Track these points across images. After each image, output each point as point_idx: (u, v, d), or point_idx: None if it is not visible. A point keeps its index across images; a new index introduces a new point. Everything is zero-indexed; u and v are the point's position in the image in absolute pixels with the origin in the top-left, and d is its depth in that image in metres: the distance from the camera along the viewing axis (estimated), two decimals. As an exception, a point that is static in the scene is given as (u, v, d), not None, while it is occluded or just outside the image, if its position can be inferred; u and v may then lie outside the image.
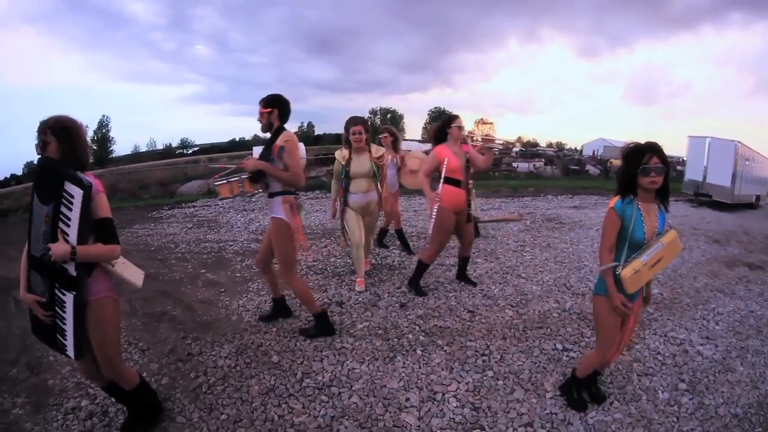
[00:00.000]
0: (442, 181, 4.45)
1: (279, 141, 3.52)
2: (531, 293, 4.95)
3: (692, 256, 7.02)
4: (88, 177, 2.30)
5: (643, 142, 2.58)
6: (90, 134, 60.59)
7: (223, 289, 5.38)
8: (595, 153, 30.78)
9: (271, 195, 3.68)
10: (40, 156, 2.32)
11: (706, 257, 7.03)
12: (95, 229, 2.33)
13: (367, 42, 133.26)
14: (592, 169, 23.53)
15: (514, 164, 22.71)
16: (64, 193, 2.20)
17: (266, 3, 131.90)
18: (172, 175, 24.34)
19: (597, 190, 15.70)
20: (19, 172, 57.54)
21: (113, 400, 3.03)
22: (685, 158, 16.73)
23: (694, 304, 4.93)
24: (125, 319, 4.48)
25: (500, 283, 5.18)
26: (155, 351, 3.93)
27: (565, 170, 22.33)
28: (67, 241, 2.21)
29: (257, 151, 28.73)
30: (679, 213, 11.70)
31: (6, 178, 56.89)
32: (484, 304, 4.64)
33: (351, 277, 5.50)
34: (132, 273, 2.65)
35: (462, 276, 5.22)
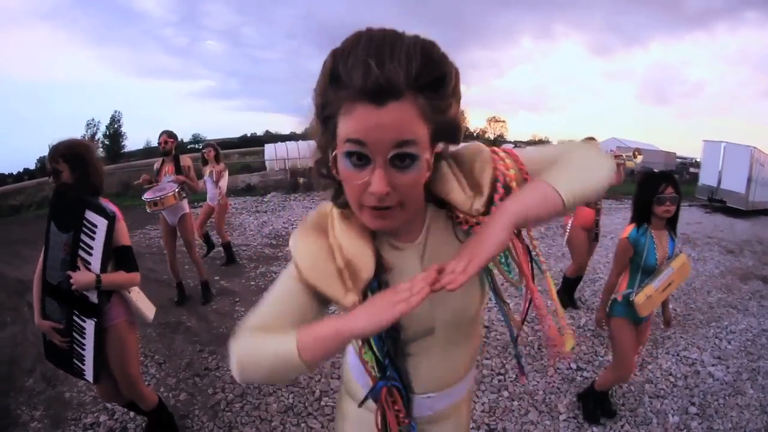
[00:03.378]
0: None
1: (184, 162, 5.09)
2: (547, 307, 4.92)
3: (706, 268, 6.98)
4: (108, 204, 2.35)
5: (657, 171, 2.78)
6: (102, 129, 62.20)
7: (237, 299, 5.37)
8: (610, 152, 30.44)
9: (181, 199, 4.94)
10: (54, 183, 2.33)
11: (720, 269, 6.98)
12: (116, 256, 2.37)
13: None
14: (604, 156, 23.04)
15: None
16: (85, 222, 2.23)
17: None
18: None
19: (611, 192, 15.55)
20: (32, 167, 57.31)
21: (132, 415, 3.10)
22: (698, 160, 16.51)
23: (707, 321, 4.91)
24: (141, 329, 4.48)
25: (516, 297, 5.17)
26: (172, 365, 3.97)
27: None
28: (89, 270, 2.25)
29: (269, 148, 28.84)
30: (692, 219, 11.62)
31: (19, 172, 57.64)
32: (500, 319, 4.65)
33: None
34: (145, 305, 2.69)
35: (568, 293, 5.14)
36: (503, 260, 1.07)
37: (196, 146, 78.00)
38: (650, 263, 2.67)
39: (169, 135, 5.10)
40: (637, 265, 2.72)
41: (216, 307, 5.18)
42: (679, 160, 33.29)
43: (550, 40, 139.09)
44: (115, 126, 65.26)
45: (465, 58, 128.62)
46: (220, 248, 7.20)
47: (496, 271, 1.10)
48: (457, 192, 0.95)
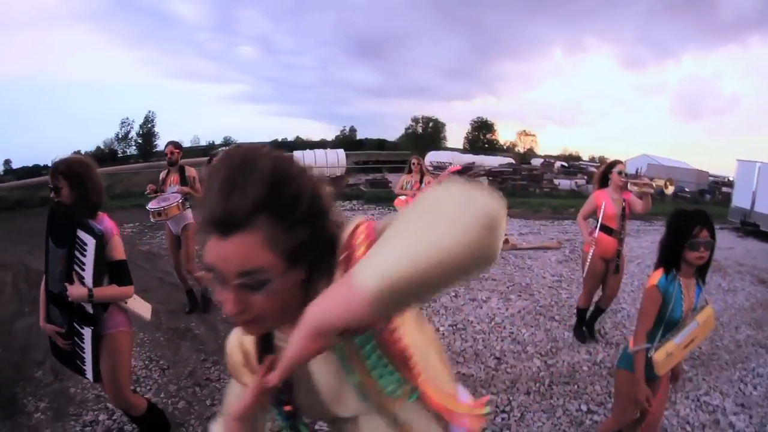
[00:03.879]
0: (598, 227, 4.47)
1: (189, 173, 5.08)
2: (562, 340, 4.73)
3: (736, 299, 6.64)
4: (103, 221, 2.41)
5: (689, 209, 2.43)
6: (136, 128, 63.95)
7: None
8: (639, 171, 29.71)
9: (186, 208, 4.99)
10: (54, 200, 2.41)
11: (750, 302, 6.61)
12: (110, 270, 2.42)
13: (411, 48, 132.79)
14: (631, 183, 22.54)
15: (556, 181, 22.23)
16: (77, 240, 2.29)
17: (313, 7, 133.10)
18: (209, 174, 24.42)
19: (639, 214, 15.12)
20: None
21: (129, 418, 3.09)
22: (730, 179, 15.81)
23: (733, 362, 4.63)
24: (150, 332, 4.60)
25: (532, 326, 5.01)
26: (175, 371, 3.96)
27: None
28: (83, 284, 2.30)
29: (297, 155, 29.03)
30: (723, 244, 11.09)
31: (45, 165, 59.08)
32: (513, 350, 4.47)
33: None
34: (140, 307, 2.71)
35: (588, 324, 4.90)
36: (377, 365, 0.85)
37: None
38: (675, 316, 2.37)
39: (176, 146, 5.15)
40: (660, 316, 2.41)
41: (225, 317, 5.10)
42: (712, 178, 32.37)
43: (581, 52, 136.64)
44: (149, 126, 66.59)
45: (494, 71, 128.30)
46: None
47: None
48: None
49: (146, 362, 4.07)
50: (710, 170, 33.99)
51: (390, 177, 21.26)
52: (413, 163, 6.98)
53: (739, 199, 14.27)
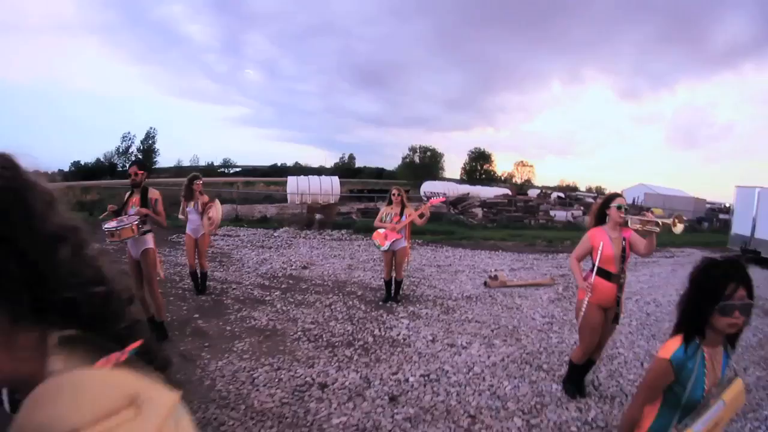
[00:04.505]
0: (594, 270, 3.81)
1: (152, 195, 4.92)
2: (549, 395, 4.12)
3: (743, 336, 6.05)
4: None
5: (721, 258, 1.82)
6: (137, 143, 65.52)
7: (207, 344, 4.99)
8: (636, 200, 29.44)
9: (144, 233, 4.83)
10: None
11: (758, 337, 6.07)
12: None
13: (412, 78, 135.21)
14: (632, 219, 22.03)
15: (552, 212, 21.75)
16: None
17: (317, 33, 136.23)
18: (206, 195, 24.15)
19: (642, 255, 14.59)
20: (66, 169, 62.88)
21: None
22: (727, 205, 15.42)
23: (743, 411, 4.02)
24: None
25: (515, 377, 4.41)
26: None
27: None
28: None
29: (292, 180, 28.91)
30: None
31: (53, 171, 59.80)
32: (490, 406, 3.87)
33: (346, 351, 4.88)
34: None
35: (578, 378, 4.22)
36: None
37: (226, 170, 79.82)
38: (695, 397, 1.80)
39: (140, 167, 4.98)
40: (675, 397, 1.84)
41: (184, 349, 4.84)
42: (709, 205, 32.12)
43: (578, 83, 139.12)
44: (150, 142, 68.24)
45: (494, 102, 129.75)
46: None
47: None
48: None
49: None
50: (707, 198, 33.91)
51: (382, 207, 20.38)
52: (393, 194, 6.56)
53: (739, 226, 13.90)
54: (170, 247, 11.18)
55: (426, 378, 4.29)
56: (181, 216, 6.85)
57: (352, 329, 5.53)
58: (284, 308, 6.36)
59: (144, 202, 4.85)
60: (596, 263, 3.79)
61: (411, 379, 4.26)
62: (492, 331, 5.63)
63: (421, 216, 6.42)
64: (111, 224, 4.63)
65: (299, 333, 5.39)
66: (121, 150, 67.58)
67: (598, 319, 3.83)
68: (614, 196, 3.94)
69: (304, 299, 6.82)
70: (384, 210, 6.70)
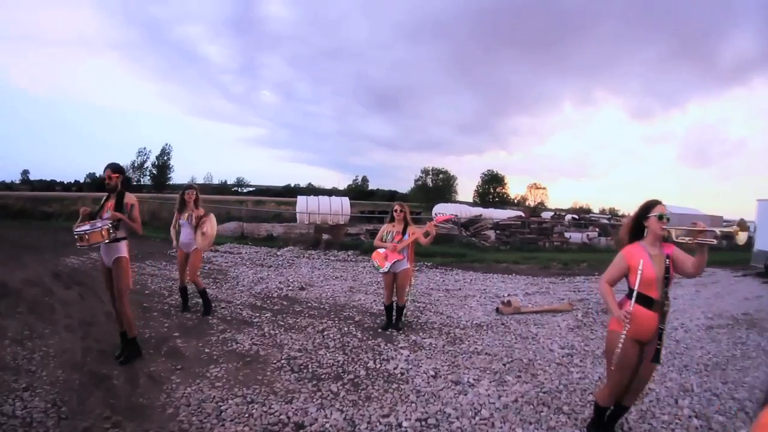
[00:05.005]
0: (634, 297, 3.06)
1: (128, 200, 4.61)
2: (572, 447, 3.42)
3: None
4: None
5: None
6: (152, 159, 67.47)
7: (180, 366, 4.57)
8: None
9: (117, 239, 4.52)
10: None
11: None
12: None
13: (425, 101, 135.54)
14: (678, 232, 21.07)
15: (567, 234, 20.93)
16: None
17: (332, 57, 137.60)
18: (215, 211, 23.95)
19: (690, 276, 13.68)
20: (82, 179, 65.70)
21: None
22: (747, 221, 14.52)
23: None
24: (70, 371, 4.26)
25: (531, 423, 3.66)
26: (70, 425, 3.39)
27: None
28: None
29: (302, 200, 28.50)
30: (750, 293, 9.88)
31: (69, 182, 64.53)
32: None
33: (332, 386, 4.21)
34: None
35: (607, 425, 3.47)
36: None
37: (239, 189, 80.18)
38: None
39: (114, 170, 4.61)
40: None
41: (154, 369, 4.47)
42: (725, 223, 31.06)
43: (590, 105, 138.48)
44: (165, 158, 69.30)
45: (506, 125, 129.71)
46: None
47: None
48: None
49: (48, 405, 3.60)
50: (724, 215, 32.92)
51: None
52: (396, 210, 5.93)
53: (763, 242, 13.11)
54: (167, 260, 10.88)
55: (423, 423, 3.57)
56: (172, 230, 6.44)
57: (343, 360, 4.86)
58: (272, 332, 5.74)
59: (119, 207, 4.57)
60: (635, 287, 3.05)
61: (405, 423, 3.54)
62: (504, 365, 4.89)
63: (426, 235, 5.76)
64: (82, 228, 4.37)
65: (283, 361, 4.76)
66: (136, 164, 68.50)
67: (634, 355, 3.08)
68: (654, 203, 3.17)
69: (296, 323, 6.17)
70: (385, 228, 6.06)
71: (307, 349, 5.16)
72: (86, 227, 4.35)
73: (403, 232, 5.82)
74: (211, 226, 6.22)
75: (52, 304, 6.54)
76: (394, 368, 4.68)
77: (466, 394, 4.10)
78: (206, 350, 5.05)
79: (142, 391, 3.97)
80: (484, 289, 9.22)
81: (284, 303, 7.32)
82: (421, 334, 5.88)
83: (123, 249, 4.56)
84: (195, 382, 4.18)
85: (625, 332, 3.00)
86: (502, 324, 6.53)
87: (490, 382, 4.41)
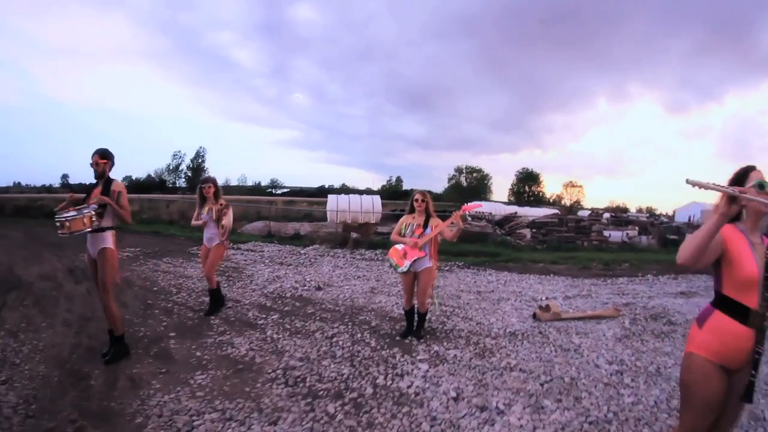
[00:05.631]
0: (720, 301, 2.19)
1: (115, 187, 4.31)
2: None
3: None
4: None
5: None
6: (186, 162, 69.48)
7: (165, 370, 4.17)
8: (692, 219, 26.99)
9: (102, 229, 4.22)
10: None
11: None
12: None
13: (458, 99, 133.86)
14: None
15: (606, 233, 19.73)
16: None
17: (363, 58, 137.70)
18: (245, 211, 24.03)
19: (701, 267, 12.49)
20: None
21: None
22: None
23: None
24: (53, 367, 4.08)
25: None
26: (32, 425, 3.14)
27: (662, 240, 18.74)
28: None
29: (332, 199, 28.01)
30: None
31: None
32: None
33: (329, 406, 3.51)
34: None
35: None
36: None
37: (273, 191, 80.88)
38: None
39: (102, 155, 4.36)
40: None
41: (137, 371, 4.12)
42: None
43: (625, 100, 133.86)
44: (199, 160, 70.75)
45: (540, 122, 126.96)
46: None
47: None
48: None
49: (20, 401, 3.43)
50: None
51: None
52: (416, 200, 5.16)
53: None
54: (185, 258, 10.59)
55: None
56: (194, 222, 6.07)
57: (348, 373, 4.14)
58: (275, 336, 5.13)
59: (106, 194, 4.29)
60: (721, 287, 2.16)
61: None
62: (542, 384, 4.06)
63: (452, 227, 5.01)
64: (64, 214, 4.07)
65: (278, 371, 4.13)
66: (171, 167, 69.99)
67: (714, 384, 2.15)
68: (749, 169, 2.20)
69: (303, 327, 5.51)
70: (404, 220, 5.29)
71: (309, 357, 4.49)
72: (69, 213, 4.05)
73: (425, 226, 5.07)
74: (228, 218, 5.83)
75: (58, 297, 6.37)
76: (408, 387, 3.91)
77: (493, 424, 3.30)
78: (198, 353, 4.57)
79: (118, 395, 3.63)
80: (519, 292, 8.37)
81: (297, 304, 6.67)
82: (445, 343, 5.10)
83: (109, 240, 4.28)
84: (175, 390, 3.73)
85: (696, 349, 2.16)
86: (540, 332, 5.68)
87: (524, 407, 3.59)
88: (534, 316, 6.41)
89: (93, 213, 4.11)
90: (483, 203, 37.68)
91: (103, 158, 4.33)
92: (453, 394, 3.77)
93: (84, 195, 4.39)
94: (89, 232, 4.11)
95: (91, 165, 4.34)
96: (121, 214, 4.32)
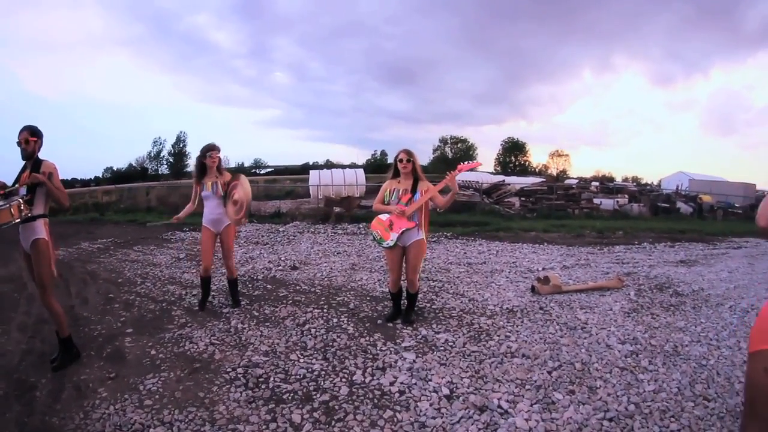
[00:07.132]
0: None
1: (46, 168, 3.73)
2: None
3: None
4: None
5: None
6: (168, 147, 67.17)
7: (114, 374, 3.57)
8: (680, 188, 27.02)
9: (33, 218, 3.67)
10: None
11: None
12: None
13: (442, 74, 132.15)
14: (684, 207, 19.72)
15: (596, 200, 19.29)
16: None
17: (344, 34, 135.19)
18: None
19: (696, 235, 12.18)
20: (100, 175, 65.81)
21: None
22: None
23: None
24: (1, 376, 3.55)
25: None
26: None
27: (653, 208, 18.57)
28: None
29: (314, 174, 27.27)
30: None
31: (90, 179, 63.77)
32: None
33: (294, 412, 2.88)
34: None
35: None
36: None
37: (257, 171, 79.83)
38: None
39: (32, 132, 3.78)
40: None
41: (85, 378, 3.53)
42: (759, 191, 28.98)
43: (610, 72, 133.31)
44: (180, 145, 69.36)
45: (525, 94, 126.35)
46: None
47: None
48: None
49: None
50: (757, 184, 30.79)
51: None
52: (400, 161, 4.37)
53: None
54: (157, 245, 9.82)
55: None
56: (190, 205, 5.08)
57: (319, 369, 3.50)
58: (240, 326, 4.49)
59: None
60: None
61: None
62: (549, 372, 3.44)
63: (444, 191, 4.32)
64: None
65: (239, 370, 3.51)
66: (152, 155, 68.95)
67: None
68: None
69: (273, 313, 4.88)
70: (387, 186, 4.53)
71: (276, 351, 3.85)
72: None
73: (413, 191, 4.34)
74: (243, 190, 4.84)
75: (19, 299, 5.61)
76: (391, 383, 3.27)
77: (496, 429, 2.70)
78: (152, 352, 3.96)
79: (61, 408, 3.10)
80: (513, 262, 7.79)
81: (268, 287, 6.03)
82: (434, 325, 4.47)
83: (40, 229, 3.72)
84: (122, 398, 3.17)
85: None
86: (541, 308, 5.07)
87: (532, 404, 2.97)
88: (532, 289, 5.81)
89: (21, 201, 3.57)
90: (469, 172, 36.84)
91: (34, 136, 3.77)
92: (445, 391, 3.15)
93: (12, 183, 3.76)
94: (19, 222, 3.54)
95: (18, 144, 3.77)
96: (57, 195, 3.78)
